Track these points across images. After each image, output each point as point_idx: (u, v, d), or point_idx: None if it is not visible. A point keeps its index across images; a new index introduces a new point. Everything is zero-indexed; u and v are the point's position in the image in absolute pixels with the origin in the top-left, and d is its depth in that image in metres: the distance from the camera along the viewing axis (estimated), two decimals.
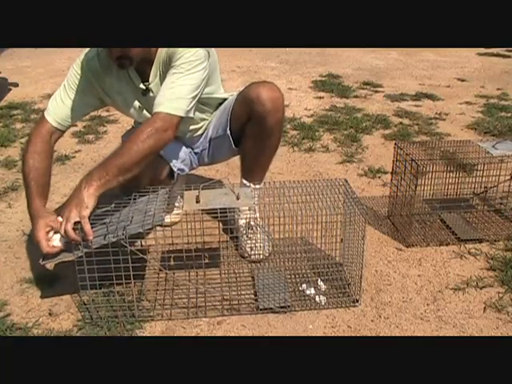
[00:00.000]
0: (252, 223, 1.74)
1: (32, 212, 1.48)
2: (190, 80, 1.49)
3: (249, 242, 1.70)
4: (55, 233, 1.41)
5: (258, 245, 1.68)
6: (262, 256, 1.68)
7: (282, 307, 1.47)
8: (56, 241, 1.41)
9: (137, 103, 1.64)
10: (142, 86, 1.60)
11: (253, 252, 1.68)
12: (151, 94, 1.60)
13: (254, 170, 1.76)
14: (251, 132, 1.68)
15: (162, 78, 1.56)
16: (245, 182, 1.75)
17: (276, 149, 1.75)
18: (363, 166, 2.44)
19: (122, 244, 1.33)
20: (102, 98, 1.64)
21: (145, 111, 1.66)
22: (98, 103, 1.67)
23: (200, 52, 1.50)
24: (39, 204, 1.49)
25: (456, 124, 3.07)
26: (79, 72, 1.59)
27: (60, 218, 1.41)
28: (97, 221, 1.41)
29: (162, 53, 1.54)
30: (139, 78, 1.59)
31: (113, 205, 1.46)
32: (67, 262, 1.44)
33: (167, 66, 1.53)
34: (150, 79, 1.58)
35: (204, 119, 1.77)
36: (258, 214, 1.78)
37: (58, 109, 1.60)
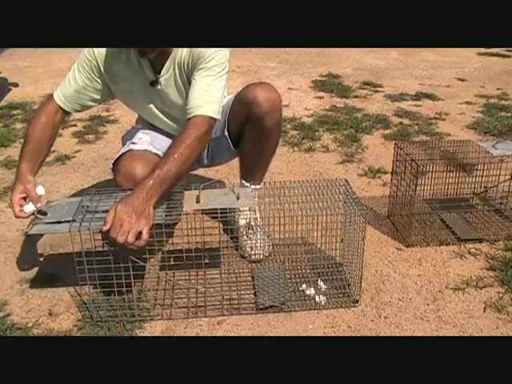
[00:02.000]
0: (252, 223, 1.74)
1: (16, 174, 1.52)
2: (221, 83, 1.51)
3: (249, 241, 1.70)
4: (29, 201, 1.47)
5: (258, 245, 1.68)
6: (262, 256, 1.68)
7: (282, 304, 1.47)
8: (27, 208, 1.46)
9: (142, 93, 1.63)
10: (152, 76, 1.58)
11: (253, 252, 1.68)
12: (159, 87, 1.59)
13: (253, 171, 1.76)
14: (249, 133, 1.68)
15: (178, 75, 1.56)
16: (244, 182, 1.75)
17: (275, 149, 1.75)
18: (363, 166, 2.44)
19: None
20: (108, 83, 1.62)
21: (151, 104, 1.65)
22: (106, 90, 1.64)
23: (226, 53, 1.51)
24: (25, 168, 1.51)
25: (456, 124, 3.07)
26: (89, 56, 1.58)
27: (41, 188, 1.49)
28: (99, 213, 1.40)
29: (180, 50, 1.53)
30: (151, 68, 1.58)
31: (114, 200, 1.46)
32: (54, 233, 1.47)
33: (190, 65, 1.52)
34: (162, 72, 1.57)
35: None
36: (258, 214, 1.78)
37: (65, 89, 1.60)
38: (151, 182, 1.36)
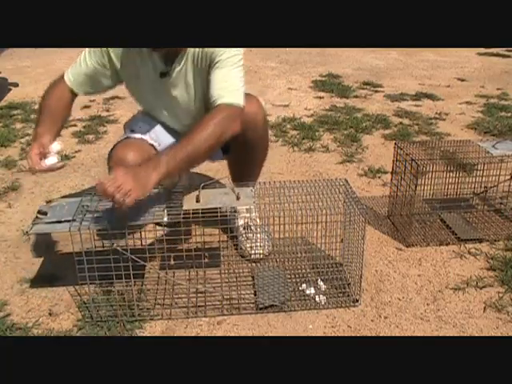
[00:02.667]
0: (251, 223, 1.74)
1: (36, 132, 1.51)
2: (239, 72, 1.50)
3: (248, 241, 1.70)
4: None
5: (258, 244, 1.68)
6: (262, 255, 1.68)
7: (282, 303, 1.47)
8: (45, 162, 1.46)
9: (149, 81, 1.61)
10: (162, 67, 1.57)
11: (253, 251, 1.68)
12: (168, 79, 1.58)
13: (242, 179, 1.72)
14: (234, 145, 1.67)
15: (190, 68, 1.55)
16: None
17: (262, 161, 1.75)
18: (363, 166, 2.44)
19: (123, 250, 1.33)
20: (116, 66, 1.60)
21: (154, 94, 1.64)
22: (115, 75, 1.62)
23: (240, 48, 1.51)
24: (42, 130, 1.51)
25: (456, 124, 3.07)
26: None
27: (57, 144, 1.49)
28: (99, 212, 1.41)
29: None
30: (162, 59, 1.56)
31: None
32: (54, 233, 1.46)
33: (204, 60, 1.52)
34: (174, 64, 1.56)
35: None
36: (257, 214, 1.77)
37: (76, 71, 1.60)
38: (161, 157, 1.36)
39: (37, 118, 1.58)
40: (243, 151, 1.68)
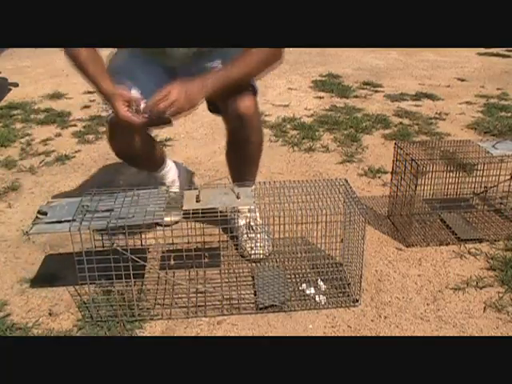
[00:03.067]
0: (252, 223, 1.74)
1: (106, 90, 1.48)
2: None
3: (249, 241, 1.70)
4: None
5: (258, 244, 1.68)
6: (262, 255, 1.68)
7: (282, 303, 1.47)
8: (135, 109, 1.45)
9: None
10: None
11: (253, 251, 1.68)
12: None
13: (240, 177, 1.76)
14: (230, 143, 1.72)
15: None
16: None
17: (258, 157, 1.75)
18: (363, 166, 2.44)
19: (123, 250, 1.33)
20: None
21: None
22: None
23: None
24: (108, 84, 1.48)
25: (456, 124, 3.07)
26: None
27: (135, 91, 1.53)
28: (99, 212, 1.41)
29: None
30: None
31: (114, 199, 1.47)
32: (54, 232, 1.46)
33: None
34: None
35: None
36: (257, 214, 1.77)
37: None
38: (209, 78, 1.48)
39: (87, 73, 1.51)
40: (239, 148, 1.69)
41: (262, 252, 1.69)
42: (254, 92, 1.66)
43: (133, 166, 1.99)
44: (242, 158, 1.74)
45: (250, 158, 1.75)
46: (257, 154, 1.75)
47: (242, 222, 1.77)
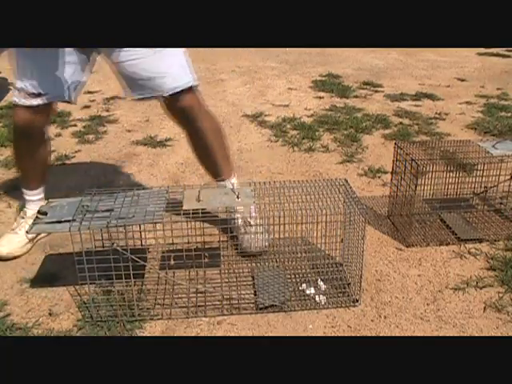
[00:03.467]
0: (249, 219, 1.74)
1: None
2: None
3: (246, 236, 1.70)
4: None
5: (256, 238, 1.67)
6: (260, 249, 1.68)
7: (282, 303, 1.47)
8: None
9: None
10: None
11: (252, 245, 1.67)
12: None
13: (214, 169, 1.80)
14: (187, 139, 1.78)
15: None
16: (218, 183, 1.77)
17: (219, 142, 1.78)
18: (363, 166, 2.44)
19: (122, 250, 1.33)
20: None
21: None
22: None
23: None
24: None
25: (456, 124, 3.07)
26: None
27: None
28: (99, 212, 1.41)
29: None
30: None
31: (114, 199, 1.47)
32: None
33: None
34: None
35: None
36: (253, 208, 1.77)
37: None
38: None
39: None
40: (198, 139, 1.74)
41: (260, 245, 1.68)
42: (191, 84, 1.65)
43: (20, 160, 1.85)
44: (205, 149, 1.76)
45: (212, 146, 1.76)
46: (218, 141, 1.77)
47: (240, 221, 1.77)
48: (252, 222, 1.73)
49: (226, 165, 1.81)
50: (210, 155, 1.78)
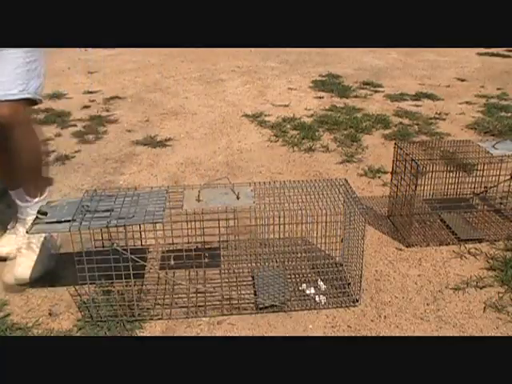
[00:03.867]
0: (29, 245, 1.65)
1: None
2: None
3: (18, 260, 1.60)
4: None
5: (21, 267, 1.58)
6: (19, 279, 1.56)
7: (282, 303, 1.47)
8: None
9: None
10: None
11: (16, 272, 1.56)
12: None
13: (14, 183, 1.65)
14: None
15: None
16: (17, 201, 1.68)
17: (30, 162, 1.62)
18: (363, 166, 2.44)
19: (122, 250, 1.33)
20: None
21: None
22: None
23: None
24: None
25: (456, 124, 3.07)
26: None
27: None
28: (99, 212, 1.41)
29: None
30: None
31: (114, 200, 1.47)
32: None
33: None
34: None
35: None
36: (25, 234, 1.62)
37: None
38: None
39: None
40: (10, 156, 1.57)
41: (19, 275, 1.55)
42: (17, 97, 1.49)
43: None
44: (15, 165, 1.60)
45: (21, 167, 1.61)
46: (29, 160, 1.60)
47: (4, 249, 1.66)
48: (23, 251, 1.62)
49: (33, 188, 1.66)
50: (16, 172, 1.62)
